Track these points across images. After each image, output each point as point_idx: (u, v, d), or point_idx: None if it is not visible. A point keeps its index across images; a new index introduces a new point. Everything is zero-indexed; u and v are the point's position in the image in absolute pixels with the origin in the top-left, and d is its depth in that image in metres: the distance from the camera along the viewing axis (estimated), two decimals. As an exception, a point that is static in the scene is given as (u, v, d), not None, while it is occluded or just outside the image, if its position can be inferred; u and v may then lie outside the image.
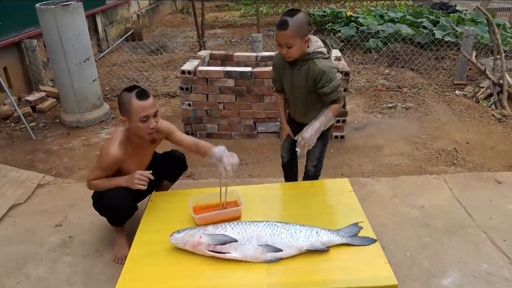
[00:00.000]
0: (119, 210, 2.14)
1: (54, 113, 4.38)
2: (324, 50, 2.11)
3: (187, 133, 3.61)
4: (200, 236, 1.82)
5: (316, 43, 2.11)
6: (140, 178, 2.05)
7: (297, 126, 2.29)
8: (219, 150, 2.11)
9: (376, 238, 1.89)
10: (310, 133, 2.10)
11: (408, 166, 3.19)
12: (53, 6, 3.63)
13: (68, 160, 3.45)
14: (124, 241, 2.28)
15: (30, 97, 4.48)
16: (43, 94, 4.59)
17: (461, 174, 3.01)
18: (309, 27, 2.11)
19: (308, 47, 2.07)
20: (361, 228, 1.96)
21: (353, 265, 1.74)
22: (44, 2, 3.81)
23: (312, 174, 2.43)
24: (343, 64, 3.51)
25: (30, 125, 4.00)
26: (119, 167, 2.13)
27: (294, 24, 1.94)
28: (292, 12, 1.97)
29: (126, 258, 2.22)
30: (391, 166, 3.19)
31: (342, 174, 3.09)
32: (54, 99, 4.59)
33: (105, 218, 2.25)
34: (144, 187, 2.06)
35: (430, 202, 2.64)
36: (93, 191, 2.23)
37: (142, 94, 1.99)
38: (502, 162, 3.23)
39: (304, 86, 2.13)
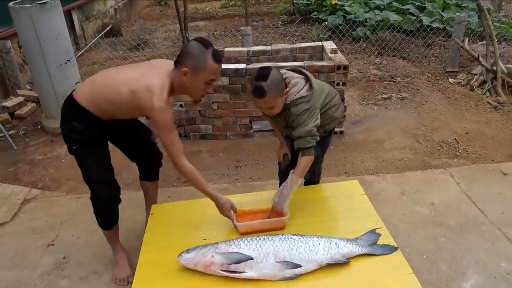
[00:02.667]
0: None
1: (34, 119, 4.12)
2: (304, 90, 1.92)
3: (180, 136, 3.45)
4: (213, 256, 1.68)
5: (295, 86, 1.92)
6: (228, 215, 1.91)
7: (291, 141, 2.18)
8: None
9: (397, 246, 1.79)
10: (279, 199, 1.96)
11: (411, 161, 3.11)
12: (28, 5, 3.37)
13: (54, 170, 3.23)
14: (124, 260, 2.13)
15: (8, 103, 4.20)
16: (21, 99, 4.31)
17: (466, 167, 2.96)
18: (283, 81, 1.94)
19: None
20: (379, 235, 1.86)
21: (378, 278, 1.64)
22: (19, 0, 3.54)
23: (309, 181, 2.31)
24: (340, 57, 3.38)
25: (10, 133, 3.75)
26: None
27: (271, 87, 1.79)
28: (264, 74, 1.80)
29: (128, 279, 2.09)
30: (394, 161, 3.11)
31: (345, 172, 3.00)
32: (34, 104, 4.33)
33: (102, 234, 2.10)
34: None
35: (439, 198, 2.57)
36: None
37: (219, 56, 1.79)
38: (504, 152, 3.19)
39: (286, 126, 2.01)
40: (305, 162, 1.96)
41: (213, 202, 1.90)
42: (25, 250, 2.34)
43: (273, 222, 1.89)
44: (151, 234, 1.96)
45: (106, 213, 2.08)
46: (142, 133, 2.21)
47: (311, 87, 1.94)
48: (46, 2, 3.43)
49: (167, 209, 2.21)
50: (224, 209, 1.88)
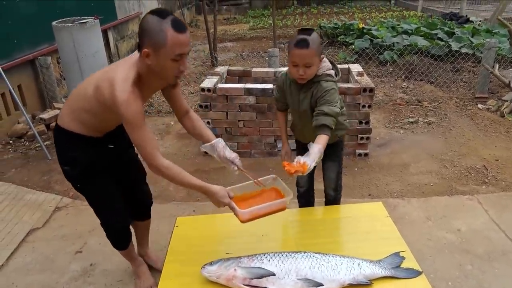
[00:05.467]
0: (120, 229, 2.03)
1: (68, 131, 4.31)
2: (332, 72, 2.00)
3: (206, 152, 3.52)
4: (235, 269, 1.70)
5: (324, 64, 2.00)
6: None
7: (302, 150, 2.19)
8: (220, 143, 1.87)
9: (421, 270, 1.76)
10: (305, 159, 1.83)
11: (437, 186, 3.06)
12: (70, 24, 3.60)
13: (85, 180, 3.36)
14: (145, 271, 2.17)
15: (44, 115, 4.42)
16: (57, 111, 4.53)
17: (495, 194, 2.89)
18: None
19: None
20: (403, 258, 1.84)
21: (401, 302, 1.62)
22: (61, 20, 3.78)
23: (332, 199, 2.31)
24: (366, 80, 3.41)
25: (45, 143, 3.93)
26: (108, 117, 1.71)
27: (314, 42, 1.85)
28: (308, 31, 1.88)
29: (151, 288, 2.13)
30: (420, 186, 3.07)
31: (369, 195, 2.98)
32: (68, 117, 4.53)
33: None
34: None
35: (466, 225, 2.52)
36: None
37: (180, 25, 1.49)
38: (535, 181, 3.10)
39: (310, 108, 2.02)
40: (325, 139, 1.89)
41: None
42: (55, 255, 2.43)
43: (277, 204, 1.82)
44: (175, 246, 2.01)
45: (118, 239, 2.09)
46: (140, 174, 2.12)
47: (336, 76, 2.00)
48: (86, 22, 3.65)
49: (191, 222, 2.26)
50: (220, 197, 1.69)
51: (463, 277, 2.11)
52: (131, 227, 2.11)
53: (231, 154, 1.88)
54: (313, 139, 2.02)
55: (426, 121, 4.20)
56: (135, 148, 1.79)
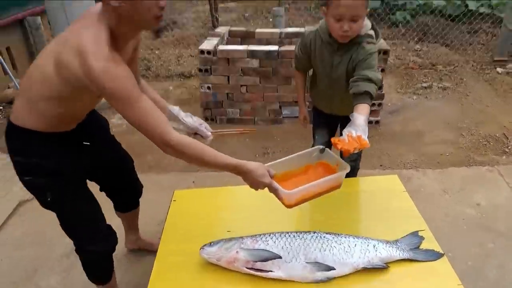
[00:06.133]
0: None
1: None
2: (373, 33, 1.75)
3: (206, 119, 3.32)
4: (237, 251, 1.54)
5: (366, 22, 1.73)
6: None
7: (324, 119, 1.97)
8: (175, 110, 1.59)
9: (442, 252, 1.60)
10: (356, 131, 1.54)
11: (454, 156, 2.86)
12: (56, -21, 3.29)
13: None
14: None
15: (36, 79, 4.19)
16: (49, 75, 4.29)
17: (517, 166, 2.70)
18: None
19: None
20: (422, 238, 1.66)
21: None
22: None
23: (351, 169, 2.12)
24: (380, 41, 3.13)
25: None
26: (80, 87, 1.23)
27: None
28: None
29: None
30: (435, 156, 2.87)
31: (381, 165, 2.79)
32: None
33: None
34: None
35: (486, 199, 2.34)
36: None
37: None
38: (559, 151, 2.90)
39: (346, 74, 1.76)
40: (367, 109, 1.60)
41: (239, 178, 1.39)
42: (45, 229, 2.28)
43: (331, 180, 1.49)
44: (172, 223, 1.84)
45: (99, 270, 1.71)
46: (128, 167, 1.83)
47: (376, 38, 1.75)
48: (74, -24, 3.34)
49: (190, 196, 2.08)
50: (259, 176, 1.35)
51: (483, 257, 1.95)
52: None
53: (195, 120, 1.64)
54: (343, 110, 1.78)
55: (441, 86, 3.94)
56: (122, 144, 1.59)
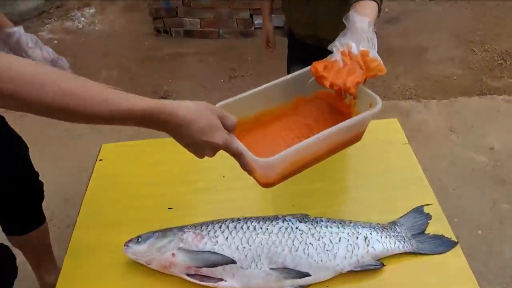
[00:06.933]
0: None
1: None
2: None
3: (158, 31, 2.65)
4: (173, 253, 1.09)
5: None
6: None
7: (300, 47, 1.38)
8: (16, 35, 0.95)
9: (456, 240, 1.18)
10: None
11: (462, 79, 2.36)
12: None
13: None
14: None
15: None
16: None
17: (540, 93, 2.23)
18: None
19: None
20: (429, 218, 1.22)
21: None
22: None
23: None
24: None
25: None
26: None
27: None
28: None
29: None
30: (440, 79, 2.37)
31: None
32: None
33: None
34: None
35: (502, 141, 1.93)
36: None
37: None
38: None
39: None
40: (376, 11, 0.99)
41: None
42: None
43: (342, 131, 0.82)
44: (92, 199, 1.32)
45: None
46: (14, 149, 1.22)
47: None
48: None
49: (121, 153, 1.51)
50: (203, 131, 0.70)
51: (497, 223, 1.58)
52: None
53: (48, 52, 1.00)
54: (331, 33, 1.08)
55: (449, -14, 3.26)
56: None
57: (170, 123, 0.68)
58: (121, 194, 1.31)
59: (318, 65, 0.87)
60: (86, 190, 1.33)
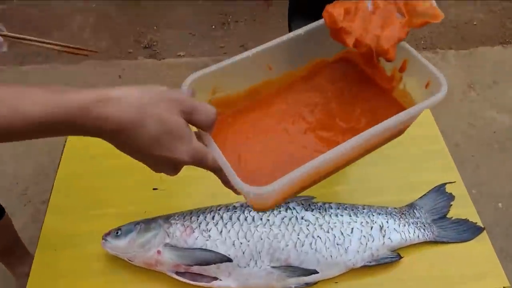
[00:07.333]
0: None
1: None
2: None
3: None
4: (159, 251, 0.94)
5: None
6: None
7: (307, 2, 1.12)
8: None
9: (483, 226, 1.03)
10: None
11: (484, 25, 2.12)
12: None
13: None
14: None
15: None
16: None
17: None
18: None
19: None
20: (451, 198, 1.07)
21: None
22: None
23: None
24: None
25: None
26: None
27: None
28: None
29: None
30: (458, 25, 2.12)
31: (384, 43, 2.03)
32: None
33: None
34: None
35: (527, 98, 1.73)
36: None
37: None
38: None
39: None
40: None
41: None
42: None
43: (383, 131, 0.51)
44: (65, 179, 1.15)
45: None
46: None
47: None
48: None
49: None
50: (154, 140, 0.44)
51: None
52: None
53: None
54: None
55: None
56: None
57: (100, 131, 0.41)
58: (100, 169, 1.14)
59: (335, 9, 0.57)
60: (58, 166, 1.16)
